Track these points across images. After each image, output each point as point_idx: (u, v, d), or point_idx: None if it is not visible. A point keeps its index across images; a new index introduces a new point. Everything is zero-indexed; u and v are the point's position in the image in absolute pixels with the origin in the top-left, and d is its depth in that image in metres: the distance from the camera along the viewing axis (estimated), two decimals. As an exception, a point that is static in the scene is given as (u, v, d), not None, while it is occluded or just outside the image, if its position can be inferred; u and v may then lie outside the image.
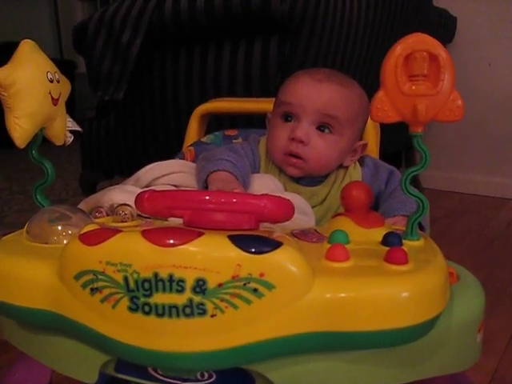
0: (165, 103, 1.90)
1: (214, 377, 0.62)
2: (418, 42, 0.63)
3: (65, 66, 3.93)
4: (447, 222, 2.37)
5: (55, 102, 0.76)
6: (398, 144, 2.15)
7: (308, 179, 1.05)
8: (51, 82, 0.75)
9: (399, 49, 0.63)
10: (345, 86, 1.02)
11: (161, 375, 0.63)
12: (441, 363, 0.67)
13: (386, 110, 0.64)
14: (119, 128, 2.10)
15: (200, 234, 0.57)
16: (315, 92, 1.00)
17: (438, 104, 0.63)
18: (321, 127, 1.01)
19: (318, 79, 1.01)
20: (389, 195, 1.02)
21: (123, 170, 2.10)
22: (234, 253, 0.55)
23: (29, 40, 0.75)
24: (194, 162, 1.12)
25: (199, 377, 0.62)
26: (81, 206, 0.89)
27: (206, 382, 0.62)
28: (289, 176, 1.05)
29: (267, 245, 0.56)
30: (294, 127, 1.00)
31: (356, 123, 1.03)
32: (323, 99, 0.99)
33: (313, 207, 0.99)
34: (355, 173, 1.07)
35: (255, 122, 1.33)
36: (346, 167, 1.07)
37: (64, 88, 0.79)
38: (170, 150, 1.27)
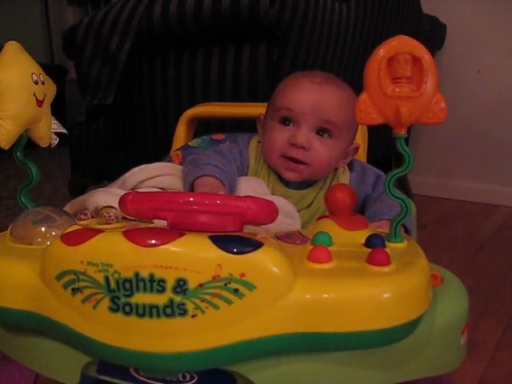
0: (154, 108, 1.90)
1: (196, 378, 0.62)
2: (401, 44, 0.63)
3: (55, 72, 3.93)
4: (436, 228, 2.37)
5: (40, 103, 0.76)
6: (389, 149, 2.16)
7: (298, 182, 1.05)
8: (36, 83, 0.75)
9: (382, 51, 0.63)
10: (342, 89, 1.03)
11: (142, 376, 0.63)
12: (424, 365, 0.67)
13: (369, 111, 0.64)
14: (109, 133, 2.10)
15: (181, 235, 0.57)
16: (316, 97, 0.99)
17: (421, 106, 0.64)
18: (320, 132, 1.01)
19: (317, 82, 1.01)
20: (375, 199, 1.02)
21: (112, 175, 2.09)
22: (214, 253, 0.55)
23: (14, 42, 0.75)
24: (181, 165, 1.12)
25: (181, 378, 0.62)
26: (66, 208, 0.89)
27: (188, 383, 0.62)
28: (278, 179, 1.05)
29: (248, 245, 0.56)
30: (294, 132, 1.00)
31: (352, 126, 1.04)
32: (323, 105, 0.99)
33: (300, 211, 0.99)
34: (343, 177, 1.07)
35: (243, 126, 1.33)
36: (335, 170, 1.07)
37: (49, 90, 0.79)
38: (160, 154, 1.26)
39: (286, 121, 1.02)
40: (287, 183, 1.05)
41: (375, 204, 1.00)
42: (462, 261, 1.98)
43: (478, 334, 1.40)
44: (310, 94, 1.00)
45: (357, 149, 1.08)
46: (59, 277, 0.59)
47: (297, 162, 1.01)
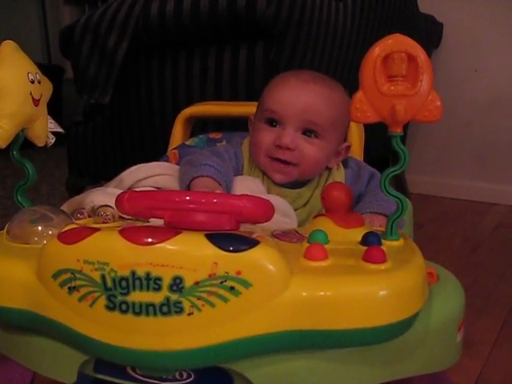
0: (151, 107, 1.90)
1: (193, 376, 0.62)
2: (397, 42, 0.63)
3: (53, 71, 3.94)
4: (433, 227, 2.37)
5: (36, 102, 0.76)
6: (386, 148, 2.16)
7: (291, 182, 1.04)
8: (32, 82, 0.75)
9: (378, 50, 0.63)
10: (331, 88, 1.02)
11: (139, 375, 0.63)
12: (420, 362, 0.67)
13: (364, 110, 0.65)
14: (106, 132, 2.10)
15: (177, 233, 0.57)
16: (300, 98, 0.99)
17: (416, 104, 0.64)
18: (306, 132, 1.01)
19: (304, 81, 1.00)
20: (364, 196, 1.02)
21: (110, 175, 2.08)
22: (210, 251, 0.55)
23: (10, 41, 0.75)
24: (178, 164, 1.12)
25: (178, 376, 0.62)
26: (63, 207, 0.89)
27: (185, 381, 0.62)
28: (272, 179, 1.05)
29: (244, 243, 0.56)
30: (280, 134, 1.00)
31: (340, 126, 1.04)
32: (308, 106, 0.99)
33: (296, 210, 0.99)
34: (338, 174, 1.07)
35: (241, 125, 1.33)
36: (329, 169, 1.07)
37: (45, 89, 0.79)
38: (157, 153, 1.26)
39: (272, 122, 1.02)
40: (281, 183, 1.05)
41: (361, 200, 1.00)
42: (459, 259, 1.98)
43: (475, 332, 1.40)
44: (295, 95, 1.00)
45: (349, 147, 1.08)
46: (56, 275, 0.59)
47: (284, 163, 1.01)
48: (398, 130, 0.65)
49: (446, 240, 2.22)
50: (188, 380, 0.63)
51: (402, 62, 0.63)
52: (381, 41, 0.64)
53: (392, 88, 0.64)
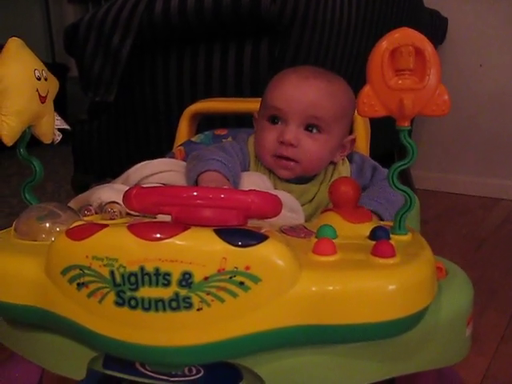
0: (156, 104, 1.90)
1: (202, 372, 0.62)
2: (404, 36, 0.63)
3: (57, 70, 3.91)
4: (439, 223, 2.37)
5: (43, 99, 0.76)
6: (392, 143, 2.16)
7: (297, 177, 1.04)
8: (39, 79, 0.75)
9: (385, 43, 0.63)
10: (332, 82, 1.02)
11: (149, 371, 0.63)
12: (429, 357, 0.67)
13: (372, 104, 0.64)
14: (111, 130, 2.10)
15: (186, 228, 0.57)
16: (301, 94, 0.99)
17: (424, 98, 0.64)
18: (309, 127, 1.00)
19: (304, 77, 1.00)
20: None
21: (115, 172, 2.08)
22: (219, 246, 0.55)
23: (16, 38, 0.75)
24: (184, 161, 1.12)
25: (187, 372, 0.62)
26: (70, 204, 0.89)
27: (194, 377, 0.63)
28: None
29: (253, 238, 0.56)
30: (283, 130, 1.00)
31: (344, 119, 1.03)
32: (309, 101, 0.99)
33: (303, 205, 0.99)
34: (344, 169, 1.07)
35: (246, 122, 1.33)
36: (335, 163, 1.07)
37: (52, 86, 0.79)
38: (163, 150, 1.26)
39: (274, 119, 1.02)
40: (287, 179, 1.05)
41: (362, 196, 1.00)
42: (465, 255, 1.98)
43: (481, 327, 1.40)
44: (296, 91, 1.00)
45: (354, 141, 1.08)
46: (64, 272, 0.59)
47: (287, 159, 1.01)
48: (406, 124, 0.65)
49: (451, 235, 2.22)
50: (197, 375, 0.63)
51: (409, 55, 0.63)
52: (388, 34, 0.64)
53: (400, 82, 0.63)
